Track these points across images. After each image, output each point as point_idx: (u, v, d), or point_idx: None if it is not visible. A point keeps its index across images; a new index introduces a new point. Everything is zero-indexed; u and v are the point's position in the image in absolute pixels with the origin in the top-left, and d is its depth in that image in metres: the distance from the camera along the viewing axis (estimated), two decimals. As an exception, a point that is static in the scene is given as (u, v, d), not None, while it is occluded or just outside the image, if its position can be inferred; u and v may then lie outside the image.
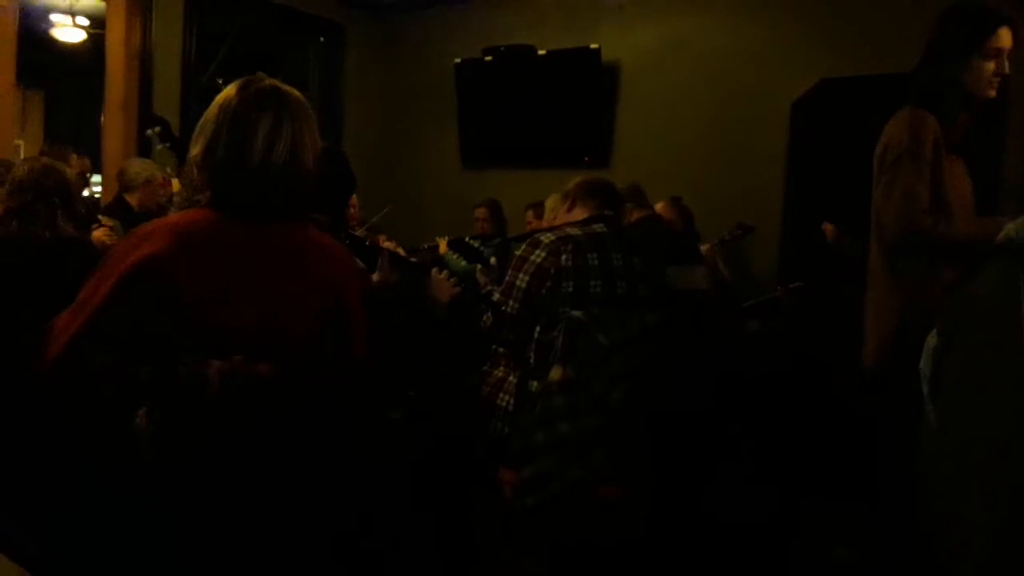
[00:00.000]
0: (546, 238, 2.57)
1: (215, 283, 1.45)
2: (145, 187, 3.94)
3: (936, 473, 1.67)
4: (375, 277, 2.31)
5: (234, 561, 1.48)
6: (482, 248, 3.01)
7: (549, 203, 3.60)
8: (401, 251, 2.56)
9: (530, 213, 4.90)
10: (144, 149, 4.79)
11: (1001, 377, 1.48)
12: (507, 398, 2.59)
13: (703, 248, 4.31)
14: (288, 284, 1.54)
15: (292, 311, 1.53)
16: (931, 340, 1.79)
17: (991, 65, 2.17)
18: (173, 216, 1.54)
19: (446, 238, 4.60)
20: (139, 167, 4.02)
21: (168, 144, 3.76)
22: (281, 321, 1.51)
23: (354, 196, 2.87)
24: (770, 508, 3.06)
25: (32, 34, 5.90)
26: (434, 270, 2.36)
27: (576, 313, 2.41)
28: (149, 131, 3.84)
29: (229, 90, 1.52)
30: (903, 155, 2.14)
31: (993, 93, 2.21)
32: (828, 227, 4.09)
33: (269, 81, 1.55)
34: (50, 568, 1.87)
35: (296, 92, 1.57)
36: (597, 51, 5.29)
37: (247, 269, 1.49)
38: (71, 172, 2.82)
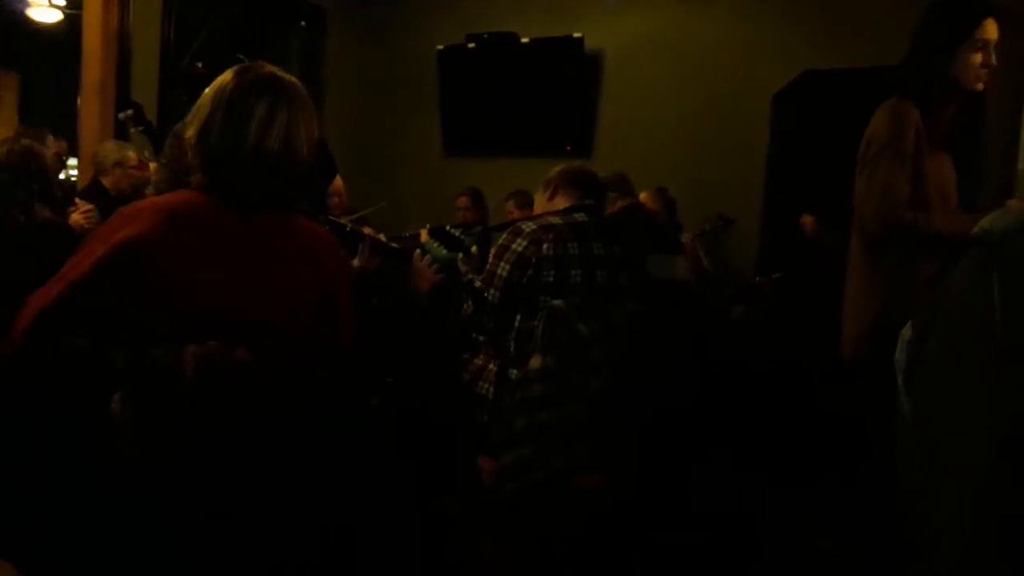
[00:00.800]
0: (527, 227, 2.57)
1: (203, 267, 1.43)
2: (115, 169, 3.89)
3: (912, 464, 1.69)
4: (355, 263, 2.30)
5: (212, 544, 1.47)
6: (463, 237, 3.01)
7: (538, 198, 3.59)
8: (383, 238, 2.54)
9: (511, 203, 4.87)
10: (122, 132, 4.73)
11: (976, 369, 1.50)
12: (487, 386, 2.59)
13: (684, 238, 4.33)
14: (277, 272, 1.53)
15: (280, 299, 1.52)
16: (906, 332, 1.81)
17: (979, 56, 2.18)
18: (163, 197, 1.52)
19: (427, 226, 4.58)
20: (109, 149, 3.97)
21: (141, 128, 3.71)
22: (269, 309, 1.50)
23: (340, 184, 2.84)
24: (751, 498, 3.08)
25: (7, 14, 5.80)
26: (416, 255, 2.36)
27: (556, 302, 2.42)
28: (122, 115, 3.79)
29: (226, 75, 1.51)
30: (884, 148, 2.15)
31: (981, 86, 2.22)
32: (808, 219, 4.10)
33: (268, 68, 1.54)
34: (26, 556, 1.85)
35: (294, 80, 1.56)
36: (580, 40, 5.28)
37: (236, 255, 1.48)
38: (49, 155, 2.78)
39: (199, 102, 1.51)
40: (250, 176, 1.48)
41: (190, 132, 1.50)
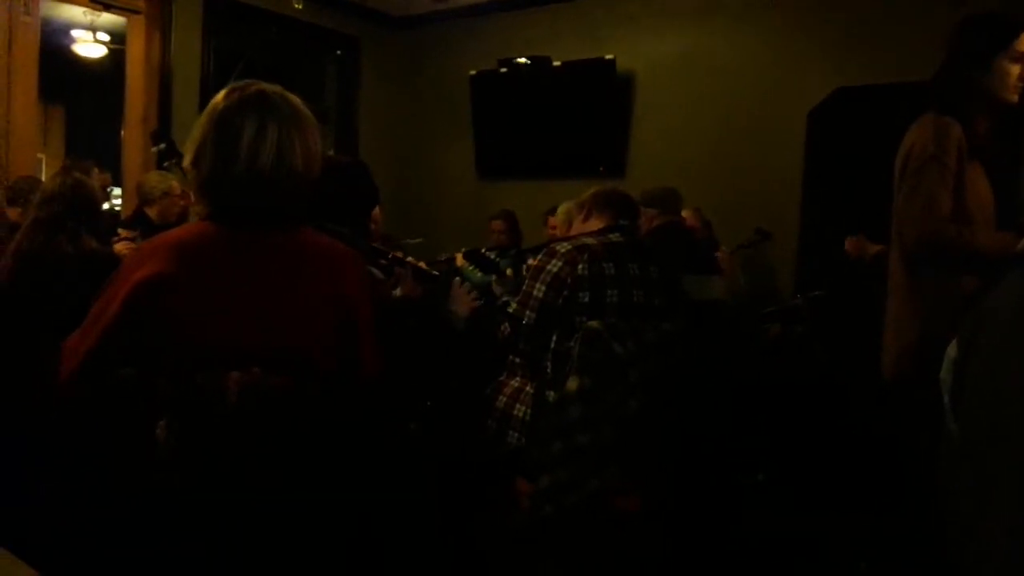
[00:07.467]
0: (562, 248, 2.58)
1: (218, 298, 1.45)
2: (163, 200, 3.97)
3: (957, 484, 1.66)
4: (399, 291, 2.31)
5: (248, 566, 1.48)
6: (498, 259, 3.02)
7: (560, 212, 3.60)
8: (423, 265, 2.56)
9: (551, 219, 4.87)
10: (160, 164, 4.85)
11: (1021, 386, 1.47)
12: (524, 408, 2.58)
13: (721, 254, 4.28)
14: (291, 293, 1.53)
15: (297, 320, 1.52)
16: (951, 351, 1.77)
17: (1016, 68, 2.17)
18: (174, 231, 1.55)
19: (462, 250, 4.60)
20: (156, 180, 4.06)
21: (174, 160, 3.81)
22: (287, 331, 1.50)
23: (377, 211, 2.87)
24: (790, 521, 3.03)
25: (54, 50, 5.98)
26: (455, 281, 2.36)
27: (592, 323, 2.41)
28: (154, 148, 3.88)
29: (216, 97, 1.52)
30: (927, 162, 2.12)
31: (1016, 98, 2.21)
32: (850, 242, 3.99)
33: (257, 86, 1.53)
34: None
35: (287, 96, 1.55)
36: (612, 61, 5.31)
37: (249, 281, 1.49)
38: (96, 187, 2.87)
39: (193, 128, 1.51)
40: (245, 195, 1.48)
41: (187, 159, 1.51)
